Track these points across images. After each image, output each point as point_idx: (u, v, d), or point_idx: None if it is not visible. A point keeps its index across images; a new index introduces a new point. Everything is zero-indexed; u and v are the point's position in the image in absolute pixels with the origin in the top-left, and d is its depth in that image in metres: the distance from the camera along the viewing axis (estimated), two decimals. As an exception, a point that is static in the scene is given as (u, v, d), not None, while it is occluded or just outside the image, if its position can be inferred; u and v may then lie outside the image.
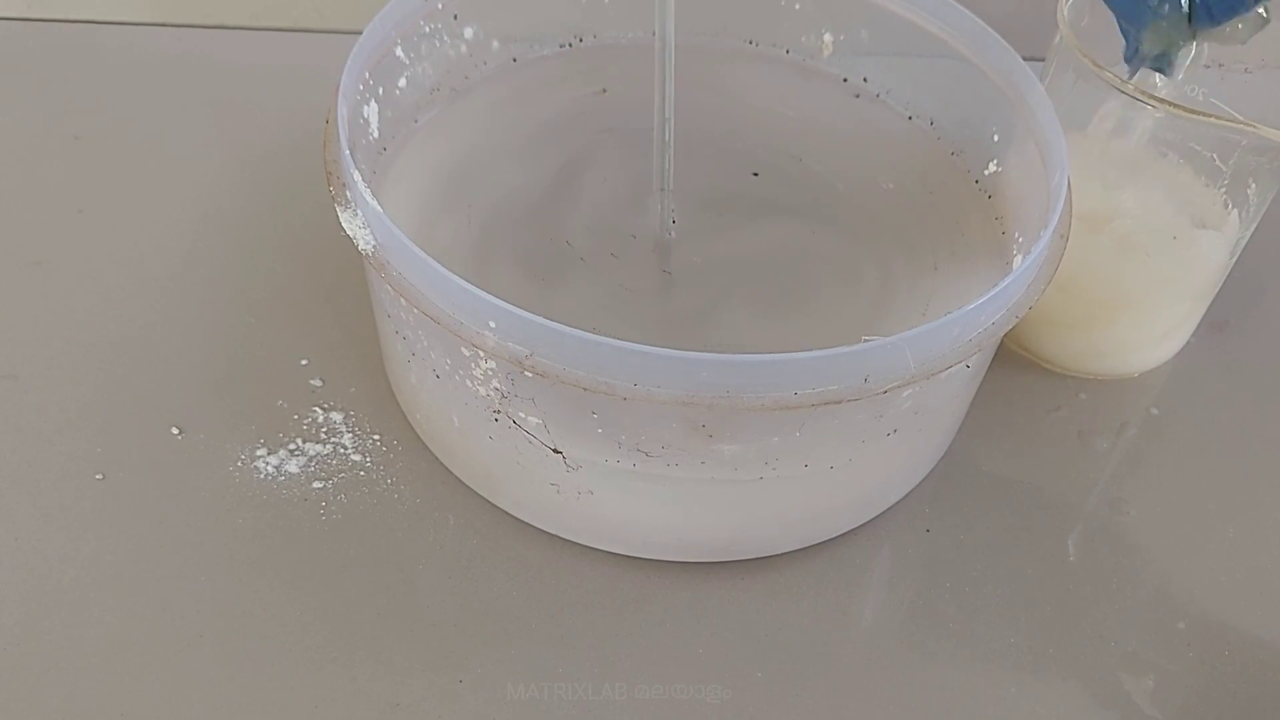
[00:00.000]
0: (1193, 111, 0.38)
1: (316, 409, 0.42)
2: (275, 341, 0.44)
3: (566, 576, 0.39)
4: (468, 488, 0.40)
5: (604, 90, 0.46)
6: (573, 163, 0.44)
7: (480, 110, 0.45)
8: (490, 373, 0.34)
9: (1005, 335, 0.35)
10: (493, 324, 0.32)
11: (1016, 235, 0.41)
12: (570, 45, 0.47)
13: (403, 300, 0.34)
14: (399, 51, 0.42)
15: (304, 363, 0.44)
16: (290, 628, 0.37)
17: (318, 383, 0.43)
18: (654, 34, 0.37)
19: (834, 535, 0.40)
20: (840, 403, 0.32)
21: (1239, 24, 0.38)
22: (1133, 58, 0.40)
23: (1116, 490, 0.43)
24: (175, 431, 0.41)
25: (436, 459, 0.41)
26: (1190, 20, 0.38)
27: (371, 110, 0.41)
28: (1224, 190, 0.43)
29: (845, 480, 0.38)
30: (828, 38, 0.48)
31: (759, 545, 0.39)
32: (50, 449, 0.41)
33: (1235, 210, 0.43)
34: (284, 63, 0.57)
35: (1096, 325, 0.45)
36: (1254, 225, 0.44)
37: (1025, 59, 0.41)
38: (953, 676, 0.38)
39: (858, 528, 0.41)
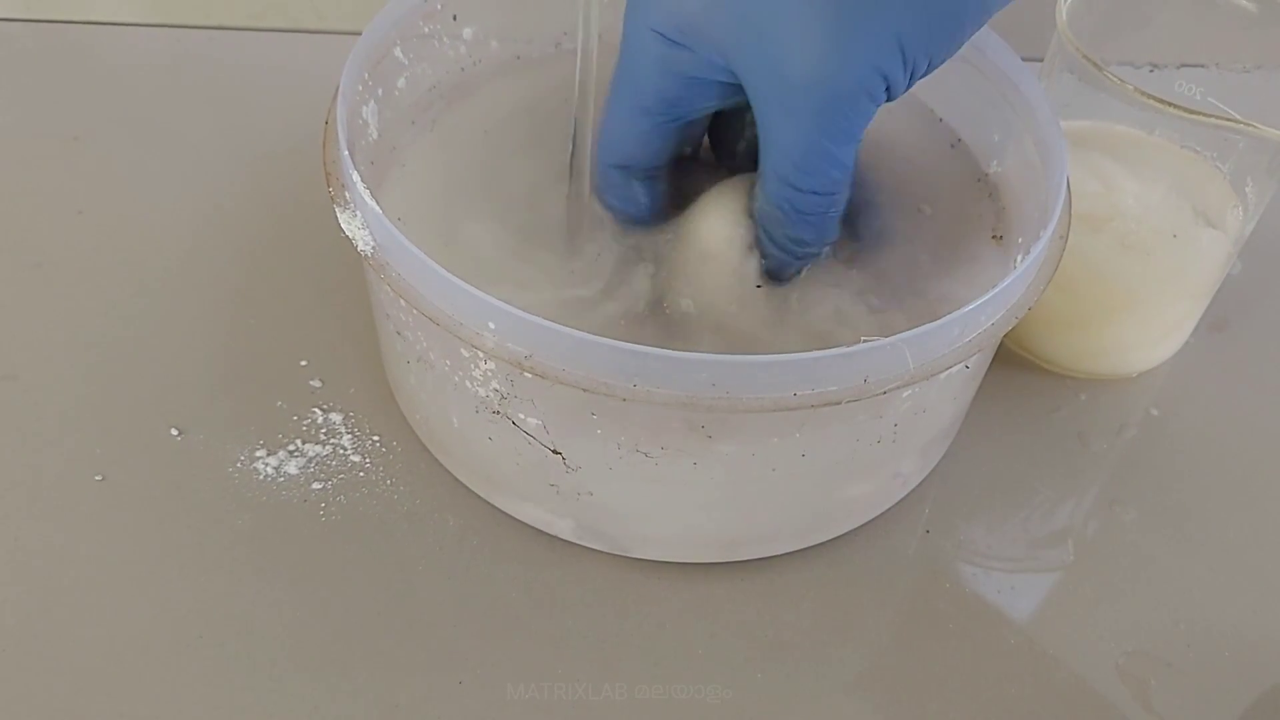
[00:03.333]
0: (1192, 111, 0.38)
1: (316, 410, 0.42)
2: (275, 342, 0.45)
3: (566, 576, 0.39)
4: (467, 488, 0.40)
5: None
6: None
7: (479, 110, 0.45)
8: (490, 373, 0.34)
9: (1005, 335, 0.35)
10: (492, 325, 0.32)
11: (1016, 235, 0.41)
12: (570, 45, 0.47)
13: (402, 301, 0.34)
14: (398, 52, 0.42)
15: (303, 363, 0.44)
16: (290, 628, 0.37)
17: (317, 383, 0.43)
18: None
19: (834, 535, 0.40)
20: (840, 403, 0.32)
21: None
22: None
23: (1116, 491, 0.43)
24: (175, 432, 0.41)
25: (436, 460, 0.41)
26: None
27: (371, 111, 0.41)
28: (1223, 189, 0.43)
29: (844, 481, 0.38)
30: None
31: (759, 546, 0.39)
32: (50, 449, 0.41)
33: (1234, 209, 0.43)
34: (283, 63, 0.57)
35: (1096, 325, 0.45)
36: (1253, 224, 0.44)
37: (1025, 59, 0.41)
38: (953, 677, 0.38)
39: (858, 528, 0.41)
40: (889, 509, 0.41)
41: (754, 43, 0.33)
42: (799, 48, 0.32)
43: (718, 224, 0.38)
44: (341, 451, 0.41)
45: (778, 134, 0.34)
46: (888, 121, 0.47)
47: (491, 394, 0.35)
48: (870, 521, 0.41)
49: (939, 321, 0.32)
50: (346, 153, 0.36)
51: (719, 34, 0.34)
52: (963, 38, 0.34)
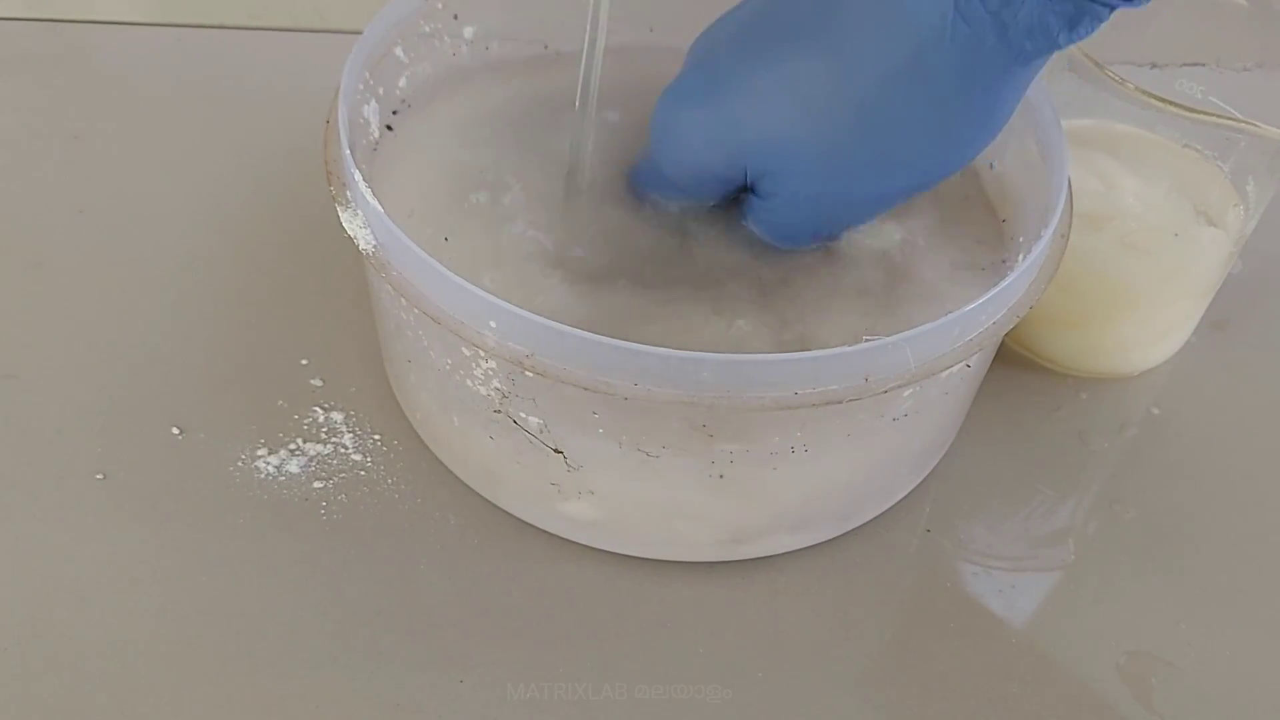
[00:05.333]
0: (1193, 110, 0.38)
1: (317, 409, 0.42)
2: (275, 341, 0.45)
3: (567, 576, 0.39)
4: (468, 488, 0.40)
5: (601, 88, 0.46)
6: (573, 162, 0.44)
7: (480, 109, 0.45)
8: (491, 372, 0.34)
9: (1006, 334, 0.35)
10: (493, 324, 0.32)
11: (1017, 235, 0.41)
12: (567, 46, 0.47)
13: (403, 300, 0.34)
14: (399, 51, 0.42)
15: (304, 363, 0.44)
16: (290, 628, 0.37)
17: (318, 382, 0.43)
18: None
19: (834, 535, 0.40)
20: (841, 402, 0.32)
21: None
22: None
23: (1117, 490, 0.43)
24: (175, 431, 0.41)
25: (437, 459, 0.41)
26: None
27: (371, 110, 0.41)
28: (1224, 188, 0.43)
29: (845, 480, 0.38)
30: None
31: (759, 545, 0.39)
32: (50, 449, 0.41)
33: (1235, 208, 0.43)
34: (284, 63, 0.57)
35: (1097, 324, 0.45)
36: (1253, 223, 0.44)
37: (1025, 58, 0.41)
38: (953, 676, 0.38)
39: (858, 528, 0.41)
40: (889, 508, 0.41)
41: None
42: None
43: None
44: (342, 450, 0.41)
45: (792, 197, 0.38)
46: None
47: (492, 393, 0.35)
48: (870, 521, 0.41)
49: (940, 320, 0.32)
50: (348, 151, 0.36)
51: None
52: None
